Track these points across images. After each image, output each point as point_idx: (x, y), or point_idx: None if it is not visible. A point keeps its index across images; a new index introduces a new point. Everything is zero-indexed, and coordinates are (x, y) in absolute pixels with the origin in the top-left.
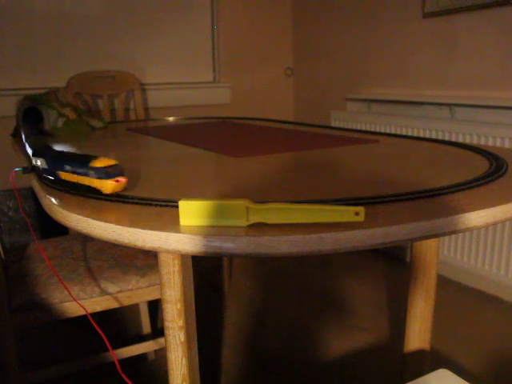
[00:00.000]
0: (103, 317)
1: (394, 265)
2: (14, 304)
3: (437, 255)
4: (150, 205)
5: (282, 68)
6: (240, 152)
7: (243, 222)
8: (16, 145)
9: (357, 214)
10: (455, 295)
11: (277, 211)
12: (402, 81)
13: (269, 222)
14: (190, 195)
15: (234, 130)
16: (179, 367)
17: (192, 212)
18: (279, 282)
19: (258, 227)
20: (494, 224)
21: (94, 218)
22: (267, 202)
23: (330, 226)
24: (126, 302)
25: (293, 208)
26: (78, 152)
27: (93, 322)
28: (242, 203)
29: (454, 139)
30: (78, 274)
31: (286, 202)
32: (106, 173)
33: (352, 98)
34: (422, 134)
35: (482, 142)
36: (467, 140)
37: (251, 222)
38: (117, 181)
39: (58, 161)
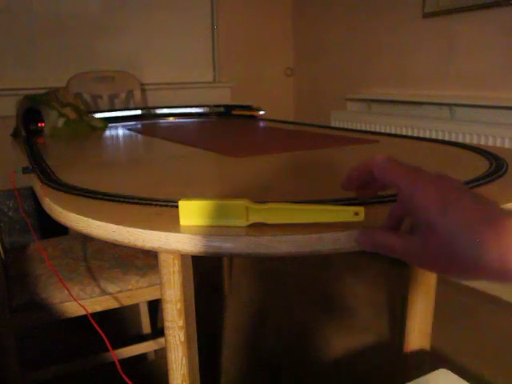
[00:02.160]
0: (103, 317)
1: (394, 265)
2: (14, 304)
3: None
4: (150, 205)
5: (282, 68)
6: (240, 152)
7: (243, 222)
8: (16, 145)
9: (356, 213)
10: (455, 295)
11: (276, 211)
12: (402, 81)
13: (268, 222)
14: (190, 195)
15: (234, 130)
16: (179, 367)
17: (192, 212)
18: (279, 282)
19: (258, 227)
20: None
21: (94, 218)
22: (267, 202)
23: (330, 226)
24: (126, 301)
25: (292, 208)
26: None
27: (93, 322)
28: (241, 203)
29: (453, 139)
30: (77, 274)
31: (286, 202)
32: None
33: (352, 97)
34: (422, 134)
35: (482, 142)
36: (467, 140)
37: (251, 221)
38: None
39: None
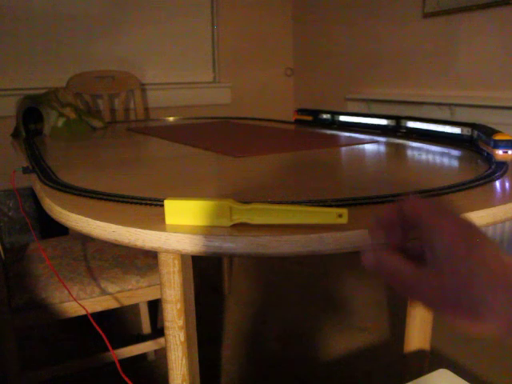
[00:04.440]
0: (103, 317)
1: None
2: (14, 304)
3: None
4: (150, 205)
5: (282, 68)
6: (240, 152)
7: (227, 222)
8: (16, 145)
9: (340, 215)
10: None
11: (259, 212)
12: (402, 81)
13: (252, 222)
14: (190, 195)
15: (234, 130)
16: (179, 367)
17: (177, 211)
18: (279, 282)
19: (259, 227)
20: (494, 224)
21: (94, 218)
22: (250, 202)
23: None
24: (126, 302)
25: (275, 209)
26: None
27: (93, 322)
28: (225, 203)
29: None
30: (77, 273)
31: (270, 202)
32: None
33: (352, 97)
34: None
35: None
36: None
37: (235, 221)
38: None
39: None
